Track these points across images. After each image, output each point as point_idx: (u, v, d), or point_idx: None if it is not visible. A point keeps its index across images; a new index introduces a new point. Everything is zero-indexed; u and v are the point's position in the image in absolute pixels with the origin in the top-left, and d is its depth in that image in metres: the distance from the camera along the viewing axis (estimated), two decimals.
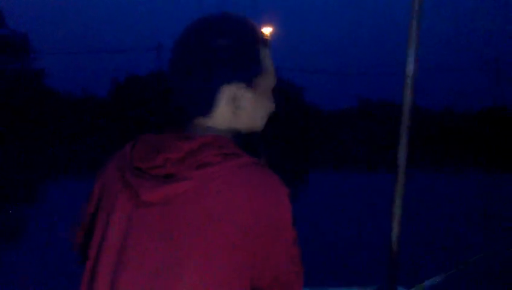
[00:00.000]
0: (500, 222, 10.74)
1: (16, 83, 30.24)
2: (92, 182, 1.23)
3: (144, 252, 1.06)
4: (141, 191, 1.07)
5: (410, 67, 2.14)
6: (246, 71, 1.16)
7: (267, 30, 37.27)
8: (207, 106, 1.16)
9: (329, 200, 13.18)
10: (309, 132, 30.93)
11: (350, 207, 12.36)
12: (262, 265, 1.07)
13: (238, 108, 1.17)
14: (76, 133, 28.98)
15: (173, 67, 1.20)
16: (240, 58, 1.15)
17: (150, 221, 1.07)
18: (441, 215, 11.52)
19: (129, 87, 32.82)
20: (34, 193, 14.99)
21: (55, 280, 5.95)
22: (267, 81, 1.21)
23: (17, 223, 10.57)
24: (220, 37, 1.14)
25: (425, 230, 9.34)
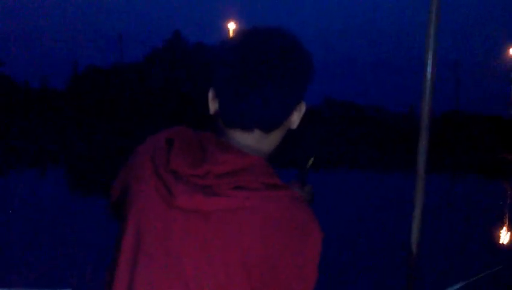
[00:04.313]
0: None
1: None
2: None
3: (176, 255, 1.05)
4: (178, 195, 1.05)
5: (429, 70, 2.08)
6: (304, 92, 1.17)
7: (231, 26, 37.01)
8: (276, 119, 1.13)
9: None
10: None
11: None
12: None
13: (292, 127, 1.18)
14: (31, 124, 28.24)
15: (231, 72, 1.11)
16: (306, 79, 1.15)
17: (183, 226, 1.05)
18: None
19: (88, 78, 32.13)
20: None
21: None
22: None
23: None
24: (294, 53, 1.13)
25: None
